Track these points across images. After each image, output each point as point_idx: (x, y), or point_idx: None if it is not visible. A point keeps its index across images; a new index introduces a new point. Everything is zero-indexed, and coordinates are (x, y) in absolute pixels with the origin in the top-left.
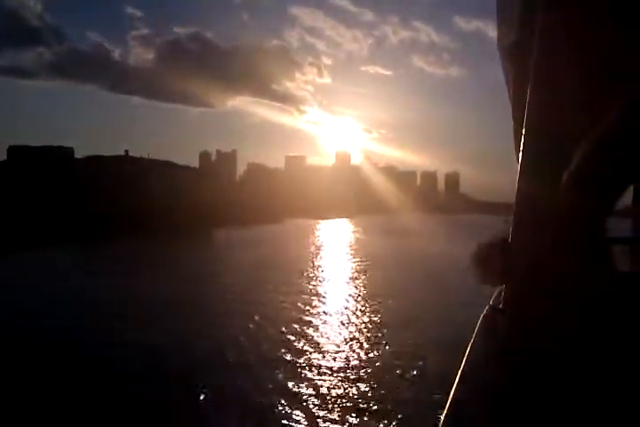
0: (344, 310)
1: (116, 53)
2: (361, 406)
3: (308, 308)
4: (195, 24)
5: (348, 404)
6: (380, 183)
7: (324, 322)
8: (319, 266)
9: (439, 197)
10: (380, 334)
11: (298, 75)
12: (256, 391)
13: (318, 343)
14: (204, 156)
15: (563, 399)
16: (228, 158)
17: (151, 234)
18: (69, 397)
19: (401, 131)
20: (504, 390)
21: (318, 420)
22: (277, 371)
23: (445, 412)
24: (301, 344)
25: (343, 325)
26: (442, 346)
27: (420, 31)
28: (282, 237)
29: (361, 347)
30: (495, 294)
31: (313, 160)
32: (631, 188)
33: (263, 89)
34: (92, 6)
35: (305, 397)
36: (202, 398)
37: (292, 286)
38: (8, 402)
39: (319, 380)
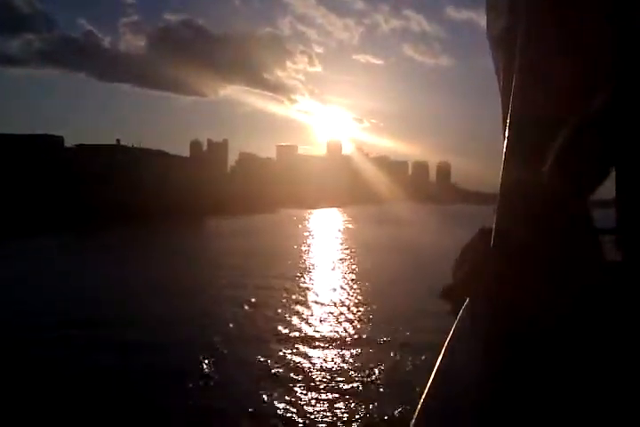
0: (331, 294)
1: (107, 41)
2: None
3: (298, 292)
4: (186, 11)
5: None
6: (372, 173)
7: (313, 305)
8: (310, 255)
9: (430, 186)
10: (368, 315)
11: (289, 63)
12: (252, 364)
13: (309, 324)
14: (195, 145)
15: (548, 392)
16: (220, 148)
17: (142, 223)
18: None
19: (392, 120)
20: (486, 383)
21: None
22: (267, 346)
23: (422, 403)
24: (292, 322)
25: (332, 305)
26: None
27: (411, 20)
28: (273, 226)
29: (349, 322)
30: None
31: (304, 150)
32: (614, 178)
33: (255, 78)
34: None
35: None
36: (204, 369)
37: (283, 271)
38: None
39: (308, 351)
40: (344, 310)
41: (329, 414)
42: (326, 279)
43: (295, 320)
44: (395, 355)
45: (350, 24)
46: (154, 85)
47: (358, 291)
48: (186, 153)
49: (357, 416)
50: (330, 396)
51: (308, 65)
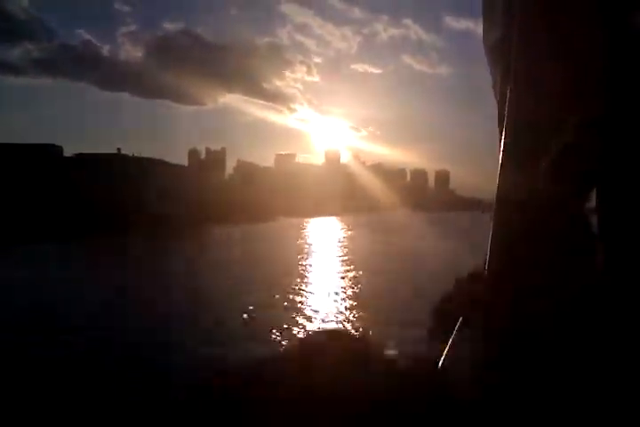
0: (329, 300)
1: (105, 50)
2: None
3: (296, 299)
4: (184, 20)
5: None
6: (370, 181)
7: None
8: (307, 263)
9: (429, 194)
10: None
11: (287, 73)
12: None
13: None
14: (193, 153)
15: (542, 403)
16: (218, 156)
17: (142, 231)
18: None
19: (389, 128)
20: (483, 395)
21: None
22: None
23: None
24: (290, 328)
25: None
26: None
27: (410, 29)
28: (271, 235)
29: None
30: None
31: (302, 158)
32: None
33: (253, 87)
34: (79, 1)
35: None
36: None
37: (281, 279)
38: None
39: None
40: (339, 317)
41: None
42: (324, 290)
43: (293, 326)
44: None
45: (348, 34)
46: (153, 94)
47: (353, 301)
48: (184, 161)
49: None
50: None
51: (307, 74)
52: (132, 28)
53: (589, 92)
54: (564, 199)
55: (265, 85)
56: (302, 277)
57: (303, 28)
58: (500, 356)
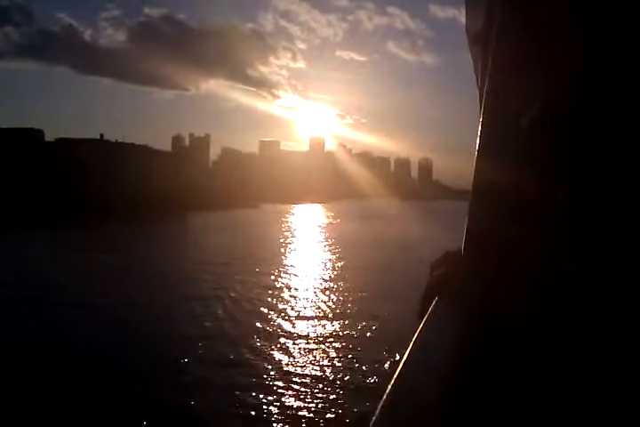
0: (314, 283)
1: (87, 34)
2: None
3: (280, 285)
4: (166, 5)
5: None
6: (354, 169)
7: (295, 296)
8: (293, 248)
9: (413, 183)
10: (347, 303)
11: (272, 59)
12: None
13: (289, 314)
14: (177, 139)
15: (515, 389)
16: (202, 142)
17: (124, 217)
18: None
19: (375, 117)
20: (455, 377)
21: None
22: (245, 341)
23: (384, 401)
24: (271, 317)
25: (314, 294)
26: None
27: (395, 17)
28: (256, 221)
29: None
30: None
31: (287, 145)
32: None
33: (237, 73)
34: None
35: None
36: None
37: (266, 264)
38: None
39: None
40: (322, 304)
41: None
42: (308, 274)
43: (274, 315)
44: (368, 351)
45: (334, 20)
46: (135, 80)
47: (338, 288)
48: (168, 147)
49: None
50: (311, 391)
51: (292, 61)
52: (115, 13)
53: (568, 81)
54: (541, 193)
55: (249, 71)
56: (285, 265)
57: (288, 14)
58: (476, 335)
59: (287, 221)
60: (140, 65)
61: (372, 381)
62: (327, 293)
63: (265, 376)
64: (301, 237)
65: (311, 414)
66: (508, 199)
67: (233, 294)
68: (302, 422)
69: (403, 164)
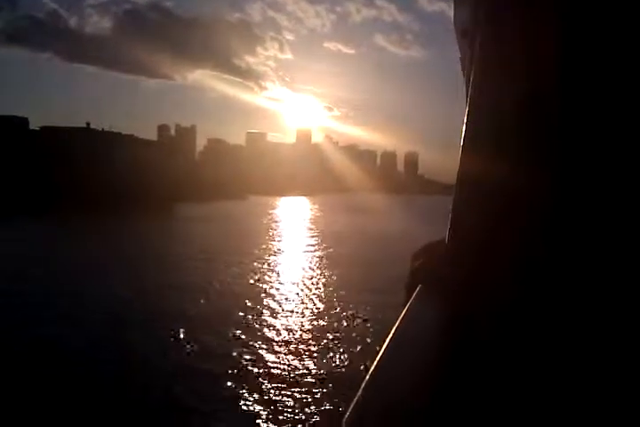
0: (298, 277)
1: (72, 21)
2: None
3: (264, 276)
4: None
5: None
6: (341, 162)
7: (278, 289)
8: (278, 240)
9: (398, 177)
10: (331, 297)
11: (259, 49)
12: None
13: (271, 307)
14: (163, 129)
15: (495, 375)
16: (188, 133)
17: (108, 207)
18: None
19: (362, 109)
20: (434, 362)
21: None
22: (233, 324)
23: (368, 378)
24: (255, 309)
25: (297, 288)
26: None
27: (383, 10)
28: (242, 212)
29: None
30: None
31: (274, 137)
32: None
33: (224, 63)
34: None
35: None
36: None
37: (250, 256)
38: None
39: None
40: (305, 294)
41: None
42: (292, 266)
43: (258, 307)
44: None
45: (322, 11)
46: (120, 68)
47: (321, 279)
48: (153, 137)
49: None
50: (296, 383)
51: (279, 52)
52: None
53: (552, 74)
54: (522, 179)
55: (236, 62)
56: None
57: (276, 4)
58: (456, 321)
59: (273, 214)
60: (126, 53)
61: (350, 370)
62: (311, 283)
63: (247, 367)
64: (287, 229)
65: (290, 405)
66: (491, 192)
67: (217, 286)
68: (281, 413)
69: (389, 157)
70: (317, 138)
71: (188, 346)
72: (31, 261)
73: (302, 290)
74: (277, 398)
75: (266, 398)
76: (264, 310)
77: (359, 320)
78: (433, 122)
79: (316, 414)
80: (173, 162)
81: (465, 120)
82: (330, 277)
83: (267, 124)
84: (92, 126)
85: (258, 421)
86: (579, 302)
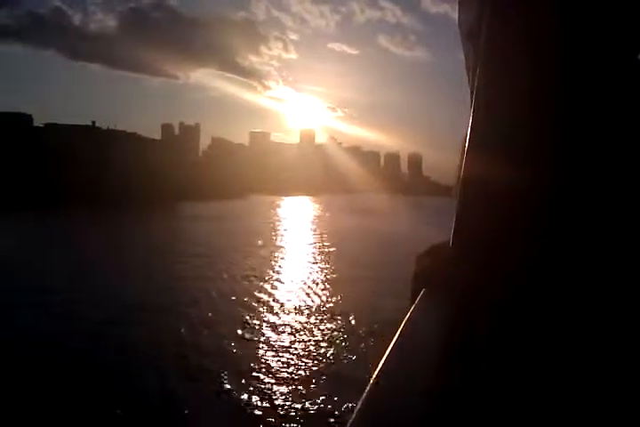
0: (301, 276)
1: (76, 19)
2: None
3: (267, 276)
4: None
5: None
6: (344, 163)
7: (280, 286)
8: (282, 240)
9: (402, 178)
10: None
11: (263, 49)
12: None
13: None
14: (167, 128)
15: (502, 376)
16: (192, 132)
17: (111, 205)
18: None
19: (366, 110)
20: (439, 367)
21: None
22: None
23: (372, 382)
24: (258, 309)
25: (299, 286)
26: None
27: (387, 11)
28: (245, 212)
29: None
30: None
31: (277, 137)
32: None
33: (228, 62)
34: None
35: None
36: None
37: (253, 255)
38: None
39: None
40: (307, 295)
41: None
42: (294, 266)
43: (260, 306)
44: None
45: (326, 11)
46: (124, 66)
47: (324, 280)
48: (157, 136)
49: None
50: (298, 382)
51: (283, 51)
52: None
53: (557, 77)
54: (526, 181)
55: (239, 61)
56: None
57: (280, 4)
58: (461, 324)
59: (277, 214)
60: (130, 51)
61: (357, 372)
62: (313, 285)
63: (246, 365)
64: (291, 229)
65: (295, 406)
66: (495, 193)
67: (219, 284)
68: (284, 413)
69: (393, 158)
70: (321, 138)
71: (190, 343)
72: (33, 258)
73: (305, 289)
74: (278, 400)
75: (267, 398)
76: (266, 310)
77: (363, 321)
78: (437, 123)
79: (317, 417)
80: (177, 161)
81: (470, 120)
82: (334, 276)
83: (270, 124)
84: (98, 124)
85: (259, 421)
86: (587, 303)
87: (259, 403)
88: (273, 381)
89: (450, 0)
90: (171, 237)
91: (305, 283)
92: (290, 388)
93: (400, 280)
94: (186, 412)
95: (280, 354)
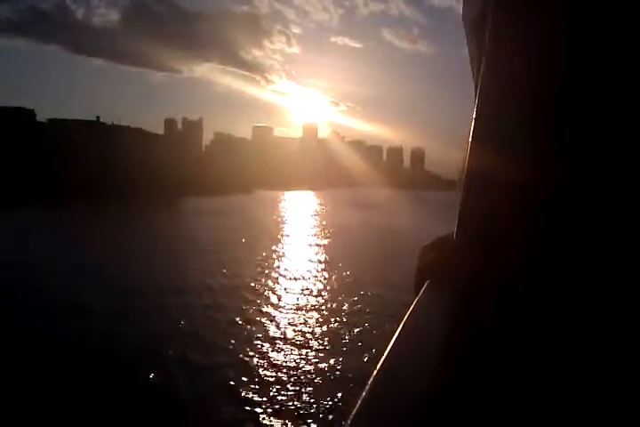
0: (305, 270)
1: (79, 13)
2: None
3: (271, 270)
4: None
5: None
6: (347, 157)
7: (286, 281)
8: (285, 234)
9: (405, 172)
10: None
11: (266, 43)
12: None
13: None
14: (170, 123)
15: (506, 371)
16: (195, 126)
17: (116, 201)
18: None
19: (369, 104)
20: (442, 362)
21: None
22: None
23: (374, 376)
24: (262, 305)
25: (304, 281)
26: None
27: (391, 4)
28: (248, 207)
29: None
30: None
31: (280, 131)
32: None
33: (230, 56)
34: None
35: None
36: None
37: (257, 250)
38: None
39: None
40: (311, 289)
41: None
42: (301, 259)
43: (264, 302)
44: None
45: (329, 5)
46: (127, 60)
47: (328, 274)
48: (160, 130)
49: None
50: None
51: (286, 45)
52: None
53: (566, 68)
54: (532, 174)
55: (242, 55)
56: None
57: None
58: (465, 317)
59: (280, 208)
60: (133, 46)
61: (356, 365)
62: (317, 276)
63: (250, 360)
64: (294, 223)
65: (297, 402)
66: (499, 185)
67: (223, 278)
68: (287, 405)
69: (395, 152)
70: (324, 133)
71: (193, 339)
72: (37, 252)
73: (308, 283)
74: (280, 393)
75: (270, 393)
76: (270, 304)
77: (366, 314)
78: (440, 117)
79: (319, 409)
80: (180, 156)
81: (474, 113)
82: (337, 270)
83: (273, 119)
84: (102, 120)
85: (262, 416)
86: (591, 295)
87: (262, 395)
88: (275, 373)
89: None
90: (176, 233)
91: (308, 275)
92: (292, 380)
93: (403, 272)
94: (188, 405)
95: (281, 346)
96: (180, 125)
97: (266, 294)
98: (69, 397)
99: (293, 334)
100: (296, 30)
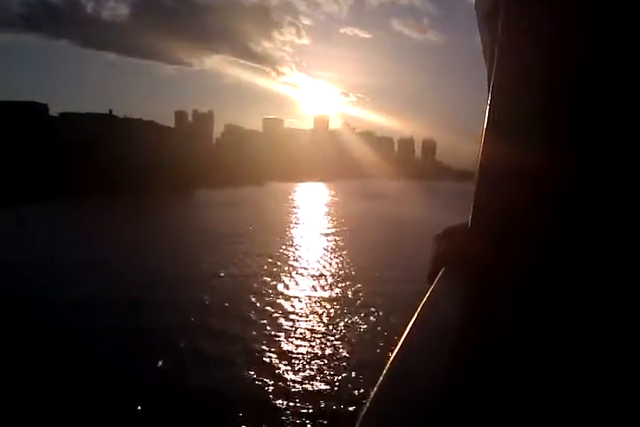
0: (317, 261)
1: (89, 7)
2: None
3: (283, 262)
4: None
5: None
6: (358, 148)
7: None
8: (297, 225)
9: (416, 163)
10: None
11: (276, 35)
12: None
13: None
14: (180, 115)
15: (521, 361)
16: (205, 119)
17: (129, 194)
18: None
19: (379, 95)
20: (457, 349)
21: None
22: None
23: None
24: (275, 298)
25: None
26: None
27: None
28: (260, 198)
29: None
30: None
31: (291, 123)
32: None
33: (241, 48)
34: None
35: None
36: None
37: (269, 241)
38: None
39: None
40: (327, 284)
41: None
42: (313, 250)
43: (276, 292)
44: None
45: None
46: (138, 54)
47: (341, 264)
48: (171, 123)
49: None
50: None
51: (296, 37)
52: None
53: (579, 57)
54: (546, 164)
55: (252, 47)
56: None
57: None
58: (482, 303)
59: (292, 200)
60: (143, 39)
61: (374, 353)
62: (330, 267)
63: (261, 352)
64: (306, 215)
65: (310, 389)
66: (513, 177)
67: (235, 269)
68: (299, 398)
69: (406, 143)
70: (335, 124)
71: (204, 331)
72: (48, 248)
73: (321, 274)
74: (292, 386)
75: (280, 385)
76: (282, 296)
77: (379, 305)
78: (451, 108)
79: (334, 399)
80: (191, 148)
81: (487, 102)
82: (349, 260)
83: (284, 110)
84: (115, 113)
85: (271, 409)
86: (603, 285)
87: (276, 385)
88: (289, 362)
89: None
90: (189, 225)
91: (321, 266)
92: (306, 369)
93: (415, 263)
94: (202, 396)
95: (294, 335)
96: (190, 118)
97: (278, 285)
98: (83, 388)
99: (306, 324)
100: (306, 22)
